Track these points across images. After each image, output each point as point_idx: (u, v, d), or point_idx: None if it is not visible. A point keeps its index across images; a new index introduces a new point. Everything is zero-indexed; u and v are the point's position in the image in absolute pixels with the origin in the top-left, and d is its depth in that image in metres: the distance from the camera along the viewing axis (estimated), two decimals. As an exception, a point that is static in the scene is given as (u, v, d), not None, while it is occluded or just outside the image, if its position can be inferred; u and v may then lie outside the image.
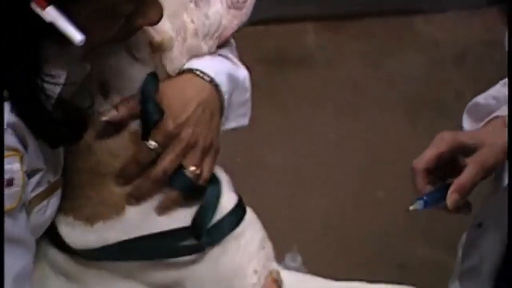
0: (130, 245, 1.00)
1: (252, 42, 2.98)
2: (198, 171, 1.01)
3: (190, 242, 1.01)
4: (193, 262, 1.02)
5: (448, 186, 1.05)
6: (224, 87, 1.04)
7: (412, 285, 1.10)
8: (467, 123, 1.20)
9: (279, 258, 1.89)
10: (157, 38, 0.98)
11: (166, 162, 0.99)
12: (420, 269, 2.20)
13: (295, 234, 2.23)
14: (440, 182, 1.08)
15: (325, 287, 1.13)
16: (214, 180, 1.04)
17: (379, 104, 2.80)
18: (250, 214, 1.08)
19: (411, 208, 1.05)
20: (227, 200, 1.05)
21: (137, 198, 1.00)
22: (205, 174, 1.02)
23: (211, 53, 1.07)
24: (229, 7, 1.07)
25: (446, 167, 1.07)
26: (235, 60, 1.11)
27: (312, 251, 2.11)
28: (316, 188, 2.47)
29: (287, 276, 1.08)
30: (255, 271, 1.05)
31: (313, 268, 1.97)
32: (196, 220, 1.01)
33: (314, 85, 2.90)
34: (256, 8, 1.09)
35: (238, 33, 1.11)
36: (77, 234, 1.00)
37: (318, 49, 3.10)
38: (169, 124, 0.99)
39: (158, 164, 0.99)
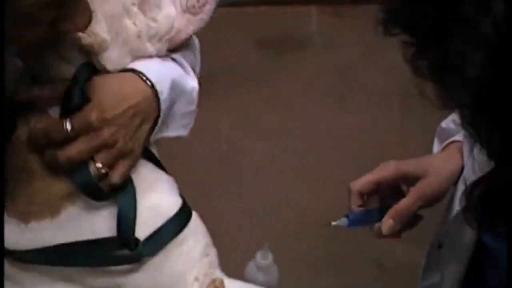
0: (64, 250, 0.97)
1: (254, 23, 2.95)
2: (103, 170, 0.95)
3: (128, 251, 0.98)
4: (133, 268, 0.99)
5: (382, 210, 1.08)
6: (165, 95, 1.00)
7: (390, 285, 1.12)
8: (435, 147, 1.21)
9: (252, 251, 1.87)
10: (87, 40, 0.94)
11: (73, 150, 0.94)
12: (398, 269, 2.18)
13: (270, 228, 2.21)
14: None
15: None
16: (127, 188, 0.99)
17: (374, 93, 2.77)
18: (194, 218, 1.05)
19: (333, 223, 1.10)
20: (170, 205, 1.02)
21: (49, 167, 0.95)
22: (113, 178, 0.96)
23: (161, 56, 1.04)
24: (184, 11, 1.03)
25: (391, 193, 1.11)
26: (188, 68, 1.07)
27: (287, 249, 2.09)
28: (297, 181, 2.44)
29: (230, 284, 1.06)
30: (196, 279, 1.03)
31: (288, 267, 1.95)
32: (118, 231, 0.98)
33: (309, 70, 2.87)
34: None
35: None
36: (11, 233, 0.96)
37: (319, 34, 3.07)
38: (92, 115, 0.94)
39: (65, 149, 0.94)
